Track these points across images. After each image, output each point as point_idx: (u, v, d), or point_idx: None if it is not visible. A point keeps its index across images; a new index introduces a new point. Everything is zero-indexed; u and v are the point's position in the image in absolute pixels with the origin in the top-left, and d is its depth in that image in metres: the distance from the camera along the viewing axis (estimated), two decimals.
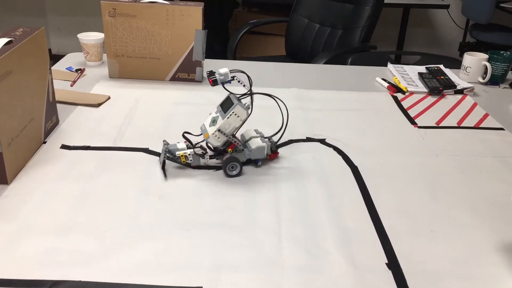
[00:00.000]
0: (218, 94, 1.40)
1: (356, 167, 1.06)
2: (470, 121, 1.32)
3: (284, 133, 1.19)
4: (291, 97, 1.41)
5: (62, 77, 1.48)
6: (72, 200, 0.90)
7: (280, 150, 1.11)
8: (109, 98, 1.35)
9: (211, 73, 0.98)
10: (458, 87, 1.51)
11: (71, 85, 1.44)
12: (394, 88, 1.50)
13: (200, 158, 1.01)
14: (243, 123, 0.99)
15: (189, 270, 0.75)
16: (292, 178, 1.01)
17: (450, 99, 1.46)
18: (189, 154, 1.00)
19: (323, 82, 1.56)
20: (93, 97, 1.34)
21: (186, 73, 1.48)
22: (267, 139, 1.05)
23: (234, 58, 2.33)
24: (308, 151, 1.12)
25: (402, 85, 1.52)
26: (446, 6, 3.27)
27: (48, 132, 1.13)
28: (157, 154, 1.07)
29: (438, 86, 1.49)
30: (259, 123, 1.23)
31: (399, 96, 1.47)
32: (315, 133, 1.21)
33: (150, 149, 1.09)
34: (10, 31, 1.04)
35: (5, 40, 0.97)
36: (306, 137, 1.18)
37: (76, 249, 0.78)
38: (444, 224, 0.89)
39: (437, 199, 0.97)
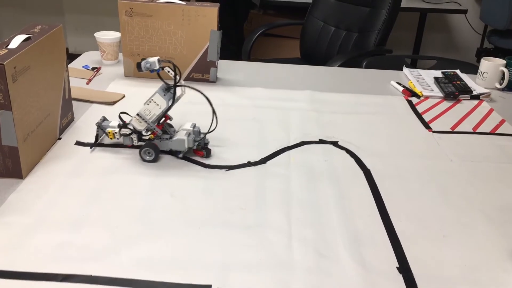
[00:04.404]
0: (232, 95, 1.41)
1: (369, 170, 1.06)
2: (486, 126, 1.31)
3: (292, 135, 1.19)
4: (305, 99, 1.41)
5: (78, 75, 1.50)
6: (85, 196, 0.91)
7: (292, 152, 1.11)
8: (124, 96, 1.37)
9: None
10: (474, 93, 1.49)
11: (87, 83, 1.45)
12: (409, 92, 1.49)
13: (131, 138, 1.05)
14: (164, 113, 1.02)
15: (198, 268, 0.76)
16: (304, 180, 1.01)
17: (466, 104, 1.45)
18: (116, 133, 1.05)
19: (337, 85, 1.55)
20: (108, 95, 1.36)
21: (200, 73, 1.49)
22: (192, 135, 1.05)
23: (249, 60, 2.33)
24: (321, 153, 1.11)
25: (417, 89, 1.51)
26: (464, 11, 3.24)
27: (63, 129, 1.15)
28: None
29: (454, 91, 1.48)
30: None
31: (414, 100, 1.46)
32: (328, 136, 1.20)
33: None
34: (28, 28, 1.05)
35: (23, 36, 0.99)
36: (319, 139, 1.18)
37: (88, 244, 0.79)
38: (457, 229, 0.88)
39: (450, 204, 0.96)
